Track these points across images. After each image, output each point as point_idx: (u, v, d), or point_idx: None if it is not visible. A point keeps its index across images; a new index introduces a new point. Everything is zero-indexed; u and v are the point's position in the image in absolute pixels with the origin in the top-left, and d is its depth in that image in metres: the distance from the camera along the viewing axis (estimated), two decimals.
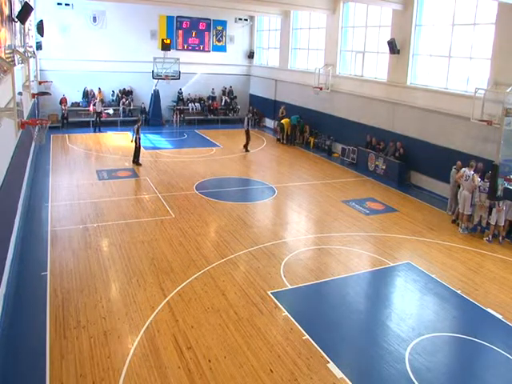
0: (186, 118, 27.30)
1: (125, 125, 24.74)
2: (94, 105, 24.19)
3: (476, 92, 13.32)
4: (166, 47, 25.59)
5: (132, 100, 26.26)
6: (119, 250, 10.36)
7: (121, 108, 25.59)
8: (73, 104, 25.03)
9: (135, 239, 10.96)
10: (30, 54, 16.06)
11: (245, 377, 6.48)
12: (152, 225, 11.90)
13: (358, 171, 18.26)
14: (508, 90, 12.43)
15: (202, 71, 27.84)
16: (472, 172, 12.12)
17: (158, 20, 26.41)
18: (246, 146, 20.92)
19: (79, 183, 15.10)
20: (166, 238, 11.15)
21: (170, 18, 26.67)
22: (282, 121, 23.11)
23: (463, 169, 12.61)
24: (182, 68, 25.53)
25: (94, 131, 23.97)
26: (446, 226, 12.80)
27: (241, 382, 6.39)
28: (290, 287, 9.02)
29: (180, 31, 27.16)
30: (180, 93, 27.61)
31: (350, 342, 7.62)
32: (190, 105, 27.56)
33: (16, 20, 13.31)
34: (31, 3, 17.75)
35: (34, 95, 16.18)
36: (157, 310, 8.01)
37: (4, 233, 8.62)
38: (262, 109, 27.91)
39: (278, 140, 23.52)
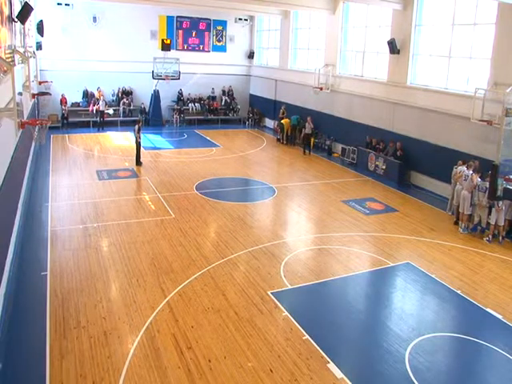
0: (186, 118, 27.29)
1: (125, 125, 24.77)
2: (97, 104, 24.28)
3: (476, 92, 13.31)
4: (166, 47, 25.61)
5: (132, 100, 26.27)
6: (119, 250, 10.36)
7: (121, 108, 25.62)
8: (73, 104, 25.04)
9: (135, 239, 10.96)
10: (30, 54, 16.05)
11: (245, 377, 6.48)
12: (152, 225, 11.90)
13: (358, 171, 18.26)
14: (508, 90, 12.43)
15: (202, 71, 27.83)
16: (471, 171, 12.13)
17: (158, 20, 26.41)
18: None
19: (79, 183, 15.10)
20: (166, 238, 11.15)
21: (169, 18, 26.67)
22: (282, 121, 23.12)
23: (460, 167, 12.66)
24: (182, 68, 25.55)
25: (98, 130, 24.04)
26: (446, 226, 12.79)
27: (241, 381, 6.39)
28: (290, 287, 9.02)
29: (180, 31, 27.16)
30: (180, 93, 27.62)
31: (350, 342, 7.62)
32: (190, 105, 27.57)
33: (16, 20, 13.31)
34: (31, 3, 17.74)
35: (34, 95, 16.18)
36: (157, 310, 8.01)
37: (4, 233, 8.62)
38: (262, 109, 27.92)
39: (278, 140, 23.53)
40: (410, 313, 8.42)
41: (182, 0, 20.68)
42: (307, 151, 21.03)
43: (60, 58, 24.29)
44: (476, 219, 12.14)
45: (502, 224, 11.53)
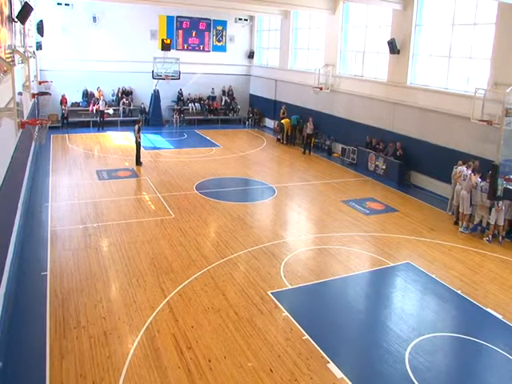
0: (186, 118, 27.29)
1: (125, 125, 24.77)
2: (97, 104, 24.29)
3: (476, 92, 13.31)
4: (166, 47, 25.62)
5: (132, 100, 26.27)
6: (119, 249, 10.36)
7: (121, 108, 25.61)
8: (73, 104, 25.04)
9: (135, 239, 10.96)
10: (30, 54, 16.05)
11: (245, 377, 6.48)
12: (152, 225, 11.90)
13: (358, 171, 18.26)
14: (508, 90, 12.43)
15: (202, 71, 27.83)
16: (469, 171, 12.13)
17: (158, 20, 26.41)
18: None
19: (79, 183, 15.10)
20: (166, 237, 11.15)
21: (169, 18, 26.68)
22: (282, 121, 23.11)
23: (460, 167, 12.67)
24: (182, 68, 25.55)
25: (98, 130, 24.05)
26: (446, 226, 12.79)
27: (241, 381, 6.39)
28: (290, 287, 9.02)
29: (180, 31, 27.16)
30: (180, 93, 27.62)
31: (350, 341, 7.62)
32: (190, 105, 27.56)
33: (16, 20, 13.31)
34: (31, 3, 17.74)
35: (33, 95, 16.18)
36: (157, 310, 8.01)
37: (4, 233, 8.62)
38: (262, 109, 27.92)
39: (278, 140, 23.53)
40: (410, 313, 8.42)
41: (182, 0, 20.68)
42: (307, 151, 21.04)
43: (60, 57, 24.29)
44: (477, 219, 12.13)
45: (502, 224, 11.53)
